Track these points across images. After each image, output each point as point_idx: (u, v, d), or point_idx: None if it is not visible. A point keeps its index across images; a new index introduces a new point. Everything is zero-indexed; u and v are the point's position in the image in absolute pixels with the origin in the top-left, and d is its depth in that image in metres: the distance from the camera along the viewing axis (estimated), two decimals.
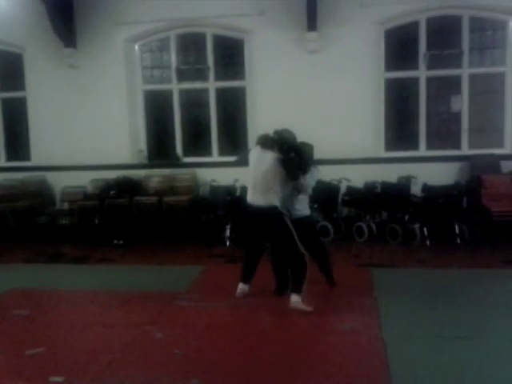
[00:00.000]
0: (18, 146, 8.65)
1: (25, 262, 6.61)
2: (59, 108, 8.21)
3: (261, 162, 4.37)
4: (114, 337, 3.99)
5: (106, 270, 6.14)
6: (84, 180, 8.04)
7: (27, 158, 8.54)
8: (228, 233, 7.02)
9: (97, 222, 7.48)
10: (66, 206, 8.05)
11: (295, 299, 4.28)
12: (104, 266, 6.31)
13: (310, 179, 4.57)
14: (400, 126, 7.76)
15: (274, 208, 4.30)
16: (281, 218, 4.34)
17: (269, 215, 4.34)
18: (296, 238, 4.31)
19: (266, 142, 4.43)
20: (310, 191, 4.61)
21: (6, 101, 8.62)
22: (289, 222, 4.36)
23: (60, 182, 8.23)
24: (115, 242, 7.20)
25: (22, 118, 8.48)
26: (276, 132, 4.44)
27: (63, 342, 3.95)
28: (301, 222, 4.55)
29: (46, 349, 3.81)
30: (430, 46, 7.43)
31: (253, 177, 4.41)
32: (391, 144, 7.66)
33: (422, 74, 7.49)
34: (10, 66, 8.48)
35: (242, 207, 4.83)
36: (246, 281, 4.74)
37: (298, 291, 4.29)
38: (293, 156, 4.24)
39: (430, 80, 7.53)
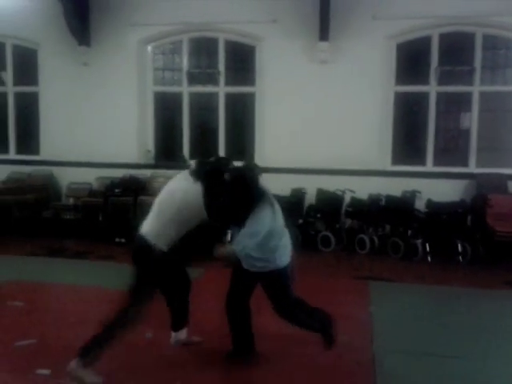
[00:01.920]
0: (27, 139, 8.74)
1: (28, 254, 6.66)
2: (70, 104, 8.29)
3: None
4: None
5: (106, 267, 6.18)
6: (90, 177, 8.10)
7: (36, 152, 8.63)
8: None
9: (100, 218, 7.54)
10: (71, 201, 8.10)
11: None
12: (104, 262, 6.35)
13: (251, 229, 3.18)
14: (408, 140, 7.73)
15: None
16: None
17: None
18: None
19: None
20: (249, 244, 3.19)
21: (18, 95, 8.72)
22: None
23: (66, 178, 8.30)
24: (117, 239, 7.22)
25: (34, 113, 8.57)
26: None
27: (55, 335, 3.96)
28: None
29: (37, 341, 3.83)
30: (441, 61, 7.40)
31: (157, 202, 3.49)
32: (398, 158, 7.63)
33: (432, 89, 7.46)
34: (25, 61, 8.59)
35: None
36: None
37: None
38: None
39: (440, 95, 7.50)
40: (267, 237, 3.21)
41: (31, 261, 6.43)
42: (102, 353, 3.16)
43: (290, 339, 3.93)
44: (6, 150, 8.81)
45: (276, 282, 3.39)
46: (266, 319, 3.68)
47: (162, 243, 3.23)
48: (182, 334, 3.68)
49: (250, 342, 3.54)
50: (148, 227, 3.32)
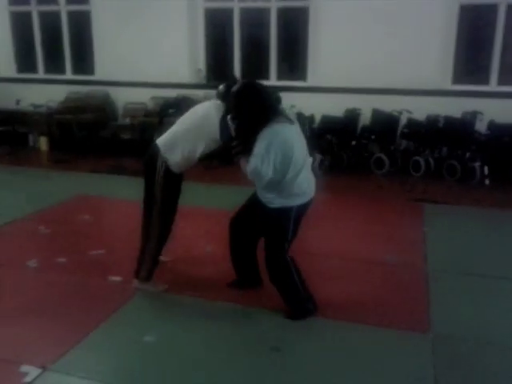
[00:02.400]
0: (83, 59, 8.84)
1: (91, 171, 6.99)
2: (122, 24, 8.22)
3: None
4: (169, 246, 4.24)
5: None
6: (145, 97, 8.19)
7: (91, 72, 8.75)
8: None
9: (155, 138, 7.70)
10: (127, 121, 8.30)
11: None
12: None
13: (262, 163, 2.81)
14: (471, 57, 7.26)
15: None
16: None
17: None
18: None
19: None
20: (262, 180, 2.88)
21: (71, 13, 8.70)
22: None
23: (122, 98, 8.43)
24: None
25: (87, 33, 8.60)
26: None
27: (122, 246, 4.26)
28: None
29: (106, 251, 4.13)
30: None
31: None
32: (459, 76, 7.22)
33: (502, 1, 6.87)
34: None
35: None
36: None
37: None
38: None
39: (510, 8, 6.92)
40: (283, 163, 2.82)
41: (93, 177, 6.76)
42: (152, 265, 3.42)
43: (344, 257, 4.07)
44: (62, 70, 8.99)
45: (280, 221, 2.98)
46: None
47: (171, 157, 3.21)
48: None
49: (251, 272, 3.42)
50: (163, 137, 3.34)
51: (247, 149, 2.87)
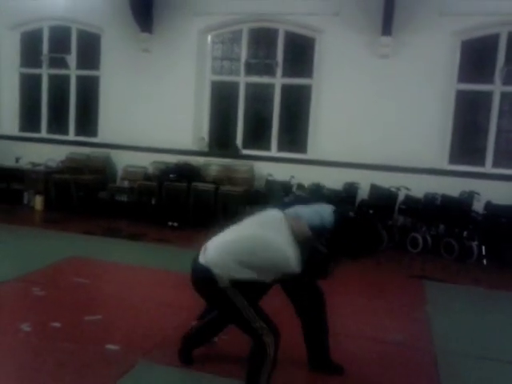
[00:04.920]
0: (86, 122, 9.01)
1: (85, 233, 6.90)
2: (129, 90, 8.48)
3: None
4: (168, 315, 4.11)
5: (160, 249, 6.34)
6: (145, 161, 8.29)
7: (94, 134, 8.89)
8: None
9: (154, 202, 7.73)
10: (126, 183, 8.33)
11: None
12: (158, 245, 6.51)
13: None
14: (467, 139, 7.54)
15: None
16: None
17: None
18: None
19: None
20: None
21: (81, 78, 8.98)
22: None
23: (122, 161, 8.52)
24: (170, 223, 7.40)
25: (94, 97, 8.83)
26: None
27: (118, 312, 4.11)
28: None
29: (103, 317, 3.99)
30: (508, 60, 7.15)
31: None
32: (456, 157, 7.45)
33: (496, 88, 7.23)
34: (88, 46, 8.83)
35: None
36: None
37: None
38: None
39: (504, 95, 7.27)
40: None
41: (88, 239, 6.66)
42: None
43: (348, 335, 3.96)
44: (65, 131, 9.12)
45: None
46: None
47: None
48: None
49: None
50: None
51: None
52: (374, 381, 3.27)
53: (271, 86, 8.14)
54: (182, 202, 7.51)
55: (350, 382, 3.22)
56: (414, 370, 3.45)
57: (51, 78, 9.13)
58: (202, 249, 2.90)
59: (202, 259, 2.84)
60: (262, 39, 8.23)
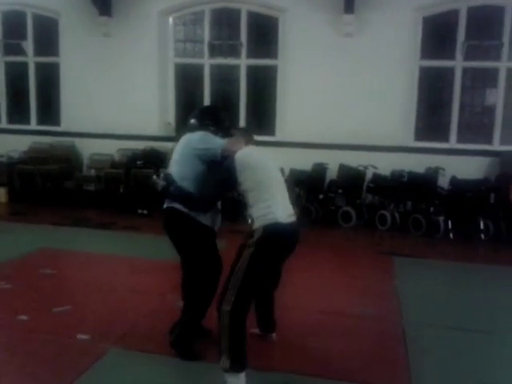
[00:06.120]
0: (48, 110, 8.76)
1: (52, 223, 6.75)
2: (91, 75, 8.27)
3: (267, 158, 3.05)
4: (138, 302, 4.07)
5: (130, 237, 6.26)
6: (111, 148, 8.14)
7: (57, 122, 8.66)
8: None
9: (122, 190, 7.61)
10: (92, 172, 8.16)
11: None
12: (128, 233, 6.43)
13: None
14: (431, 116, 7.66)
15: None
16: None
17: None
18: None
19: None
20: None
21: (40, 65, 8.70)
22: None
23: (88, 149, 8.35)
24: (139, 211, 7.31)
25: (55, 84, 8.57)
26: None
27: (88, 301, 4.06)
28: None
29: (72, 307, 3.92)
30: (468, 36, 7.25)
31: (275, 177, 2.99)
32: (421, 134, 7.57)
33: (458, 64, 7.34)
34: (46, 31, 8.54)
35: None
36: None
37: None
38: None
39: (466, 71, 7.39)
40: None
41: (56, 230, 6.52)
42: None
43: (320, 310, 4.01)
44: (27, 121, 8.85)
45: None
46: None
47: None
48: None
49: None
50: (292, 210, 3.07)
51: None
52: (343, 353, 3.32)
53: (236, 68, 8.06)
54: (150, 189, 7.39)
55: (317, 355, 3.27)
56: (383, 342, 3.52)
57: (8, 65, 8.82)
58: (282, 205, 2.88)
59: (291, 218, 2.90)
60: (225, 20, 8.11)
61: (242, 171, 2.86)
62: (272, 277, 3.15)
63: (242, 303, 2.74)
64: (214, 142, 3.09)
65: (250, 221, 2.98)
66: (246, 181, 2.86)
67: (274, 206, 2.80)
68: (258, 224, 2.80)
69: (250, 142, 3.17)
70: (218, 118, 3.34)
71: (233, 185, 2.95)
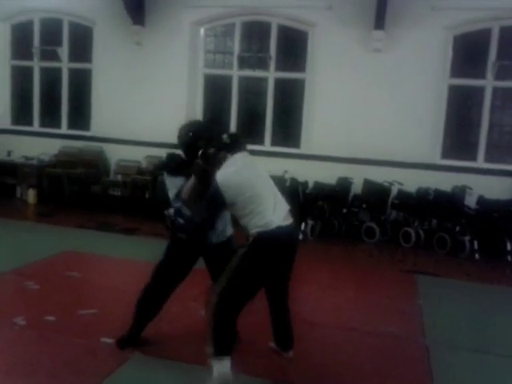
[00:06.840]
0: (79, 115, 8.93)
1: (78, 227, 6.87)
2: (122, 83, 8.42)
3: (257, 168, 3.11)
4: (163, 309, 4.10)
5: (155, 244, 6.30)
6: (138, 155, 8.25)
7: (87, 128, 8.83)
8: None
9: (147, 196, 7.72)
10: (119, 177, 8.29)
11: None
12: (153, 239, 6.49)
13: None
14: (459, 134, 7.58)
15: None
16: None
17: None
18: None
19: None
20: None
21: (73, 71, 8.89)
22: None
23: (115, 155, 8.47)
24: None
25: (86, 90, 8.75)
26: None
27: (113, 306, 4.11)
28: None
29: (98, 311, 3.98)
30: (500, 55, 7.18)
31: (263, 187, 3.01)
32: (448, 152, 7.48)
33: (488, 83, 7.27)
34: (80, 39, 8.74)
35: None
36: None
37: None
38: None
39: (496, 90, 7.31)
40: None
41: (82, 233, 6.64)
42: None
43: (341, 327, 3.99)
44: (58, 125, 9.05)
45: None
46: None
47: None
48: None
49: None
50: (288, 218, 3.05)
51: None
52: (366, 372, 3.30)
53: (264, 80, 8.12)
54: None
55: (336, 373, 3.25)
56: (407, 362, 3.49)
57: (43, 70, 9.04)
58: (275, 210, 2.91)
59: (287, 221, 2.95)
60: (255, 33, 8.20)
61: (229, 193, 2.85)
62: (272, 283, 3.12)
63: (229, 299, 2.83)
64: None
65: (244, 230, 2.98)
66: (236, 202, 2.88)
67: (267, 212, 2.86)
68: (253, 230, 2.87)
69: (238, 150, 3.07)
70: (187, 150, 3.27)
71: (222, 207, 2.99)
